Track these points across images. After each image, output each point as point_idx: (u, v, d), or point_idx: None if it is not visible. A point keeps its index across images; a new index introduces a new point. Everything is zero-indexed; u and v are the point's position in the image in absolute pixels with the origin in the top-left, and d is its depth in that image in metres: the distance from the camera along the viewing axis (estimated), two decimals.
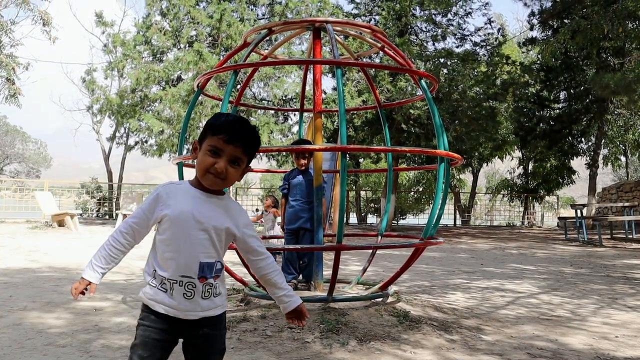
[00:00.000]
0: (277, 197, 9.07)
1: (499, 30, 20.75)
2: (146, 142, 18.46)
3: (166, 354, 1.99)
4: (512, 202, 26.88)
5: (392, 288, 5.05)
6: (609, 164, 27.01)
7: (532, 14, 20.09)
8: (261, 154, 17.71)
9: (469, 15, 19.37)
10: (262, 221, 9.20)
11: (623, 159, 28.41)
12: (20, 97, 18.43)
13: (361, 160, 25.38)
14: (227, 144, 1.90)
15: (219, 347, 2.01)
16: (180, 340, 2.02)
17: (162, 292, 1.93)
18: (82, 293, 1.96)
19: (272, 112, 17.37)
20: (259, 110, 17.05)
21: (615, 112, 22.17)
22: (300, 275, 5.19)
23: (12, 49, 18.68)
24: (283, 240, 7.95)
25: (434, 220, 4.62)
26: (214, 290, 1.96)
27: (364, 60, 15.45)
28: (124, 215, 15.31)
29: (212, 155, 1.91)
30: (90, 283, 1.96)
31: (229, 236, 1.99)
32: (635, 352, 3.67)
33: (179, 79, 17.22)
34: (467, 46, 19.54)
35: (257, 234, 2.11)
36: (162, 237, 1.96)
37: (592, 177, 20.51)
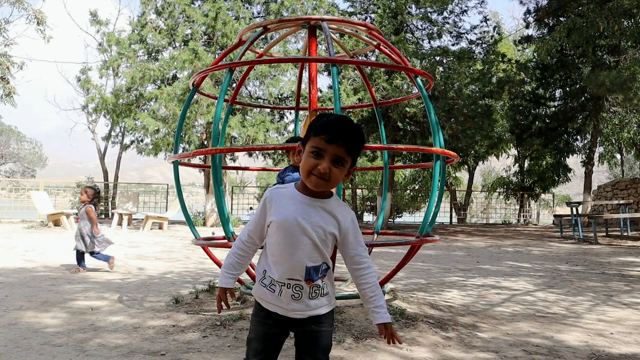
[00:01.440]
0: (97, 189, 7.27)
1: (494, 28, 20.78)
2: (142, 141, 18.40)
3: (279, 345, 2.08)
4: (508, 200, 26.95)
5: (389, 286, 5.06)
6: (604, 161, 27.10)
7: (528, 12, 20.13)
8: (257, 152, 17.70)
9: (465, 13, 19.40)
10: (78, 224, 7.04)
11: (618, 156, 28.50)
12: (15, 97, 18.34)
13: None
14: (329, 144, 1.88)
15: (325, 343, 2.04)
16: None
17: (271, 293, 1.99)
18: (227, 304, 2.06)
19: (268, 110, 17.35)
20: (255, 109, 17.03)
21: (611, 110, 22.24)
22: None
23: (6, 48, 18.60)
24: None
25: (430, 218, 4.63)
26: (321, 291, 2.00)
27: (360, 58, 15.46)
28: (120, 215, 15.27)
29: (315, 157, 1.90)
30: (228, 289, 2.06)
31: (334, 239, 2.00)
32: (630, 349, 3.69)
33: (175, 77, 17.17)
34: (463, 44, 19.58)
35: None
36: (270, 241, 2.00)
37: (588, 175, 20.58)
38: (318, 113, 4.70)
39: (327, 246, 1.98)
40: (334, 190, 2.12)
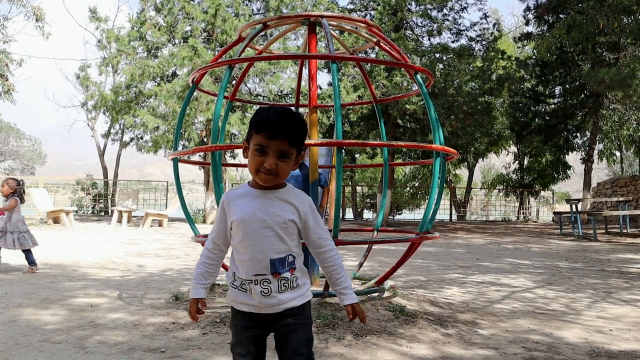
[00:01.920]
0: (20, 180, 6.74)
1: (494, 25, 20.76)
2: (141, 138, 18.40)
3: (263, 346, 2.08)
4: (508, 197, 26.96)
5: (388, 283, 5.06)
6: (604, 159, 27.12)
7: (528, 8, 20.09)
8: None
9: (465, 10, 19.40)
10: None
11: (618, 154, 28.50)
12: (14, 94, 18.29)
13: (357, 155, 25.41)
14: (270, 140, 1.89)
15: (305, 336, 2.04)
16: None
17: (243, 293, 2.00)
18: (199, 312, 2.06)
19: None
20: (255, 106, 17.01)
21: (610, 107, 22.25)
22: None
23: (5, 45, 18.53)
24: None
25: (430, 215, 4.63)
26: (290, 284, 2.00)
27: (360, 55, 15.47)
28: (120, 212, 15.27)
29: (260, 154, 1.91)
30: (199, 300, 2.05)
31: (295, 226, 2.01)
32: (629, 345, 3.69)
33: (174, 74, 17.16)
34: (463, 41, 19.57)
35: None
36: (234, 241, 2.03)
37: (587, 172, 20.57)
38: (316, 109, 4.70)
39: (290, 234, 1.99)
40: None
